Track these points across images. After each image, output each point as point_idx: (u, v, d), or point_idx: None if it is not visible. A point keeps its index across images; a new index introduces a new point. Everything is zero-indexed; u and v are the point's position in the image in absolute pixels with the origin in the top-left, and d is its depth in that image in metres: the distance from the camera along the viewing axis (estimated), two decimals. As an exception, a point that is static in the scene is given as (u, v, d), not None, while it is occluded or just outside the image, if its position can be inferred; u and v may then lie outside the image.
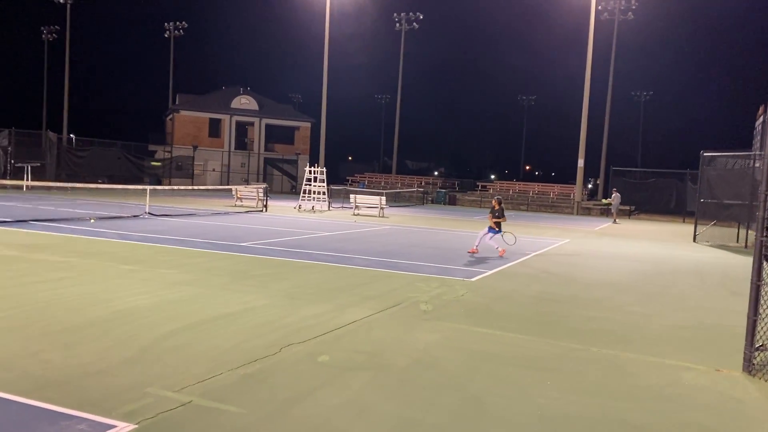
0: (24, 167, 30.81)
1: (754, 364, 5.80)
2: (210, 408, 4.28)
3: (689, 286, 11.39)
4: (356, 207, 27.04)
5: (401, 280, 9.97)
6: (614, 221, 32.41)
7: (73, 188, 29.18)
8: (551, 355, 6.13)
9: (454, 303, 8.40)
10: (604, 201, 36.34)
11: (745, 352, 5.85)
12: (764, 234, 5.69)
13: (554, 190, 48.53)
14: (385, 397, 4.71)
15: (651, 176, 44.18)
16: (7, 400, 4.19)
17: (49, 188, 30.77)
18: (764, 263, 5.76)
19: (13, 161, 31.65)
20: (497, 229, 14.33)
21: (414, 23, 58.76)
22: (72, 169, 37.28)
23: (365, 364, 5.49)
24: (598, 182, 58.21)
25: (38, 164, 31.97)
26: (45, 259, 10.16)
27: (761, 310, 5.80)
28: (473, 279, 10.58)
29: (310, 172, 28.38)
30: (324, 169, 28.78)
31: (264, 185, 28.84)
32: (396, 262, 12.16)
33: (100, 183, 35.60)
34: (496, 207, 14.56)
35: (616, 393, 5.11)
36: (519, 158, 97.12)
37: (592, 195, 56.66)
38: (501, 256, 13.79)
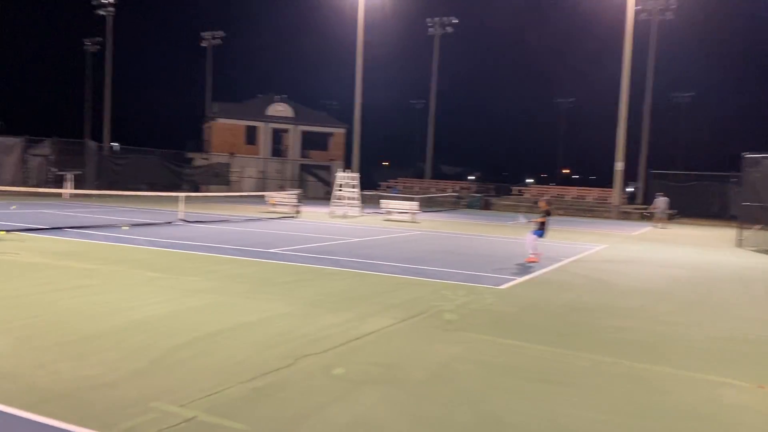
0: (65, 175, 31.55)
1: (799, 381, 5.38)
2: (213, 424, 4.12)
3: (732, 295, 10.84)
4: (388, 212, 26.86)
5: (427, 288, 9.72)
6: (659, 226, 31.39)
7: (111, 196, 29.72)
8: (578, 368, 5.82)
9: (480, 312, 8.11)
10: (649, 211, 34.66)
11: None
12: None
13: (592, 193, 47.53)
14: (397, 413, 4.49)
15: (692, 179, 42.86)
16: (7, 414, 4.11)
17: (88, 196, 31.42)
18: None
19: (54, 169, 32.44)
20: (541, 230, 13.77)
21: (448, 27, 58.41)
22: (112, 176, 38.08)
23: (380, 378, 5.27)
24: (638, 186, 56.81)
25: (79, 172, 32.69)
26: (72, 266, 10.24)
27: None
28: (502, 287, 10.26)
29: (341, 177, 28.31)
30: (356, 175, 28.68)
31: (297, 191, 28.90)
32: (423, 268, 11.91)
33: (139, 190, 36.33)
34: (543, 207, 14.00)
35: (646, 411, 4.78)
36: (556, 162, 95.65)
37: (632, 199, 55.32)
38: (527, 262, 13.37)
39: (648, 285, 11.36)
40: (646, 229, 29.87)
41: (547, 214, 13.90)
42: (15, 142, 32.17)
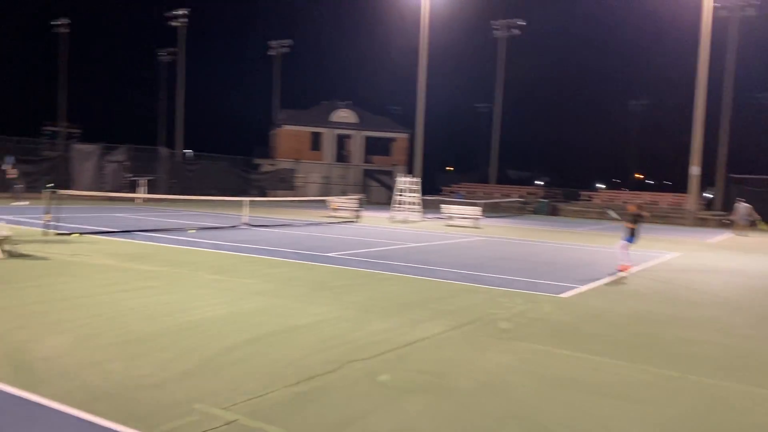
0: (138, 181, 32.90)
1: None
2: (253, 428, 4.09)
3: (816, 307, 10.07)
4: (449, 217, 26.59)
5: (483, 295, 9.49)
6: (740, 233, 29.75)
7: (181, 200, 30.74)
8: (640, 382, 5.49)
9: (537, 321, 7.83)
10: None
11: None
12: None
13: (666, 199, 45.62)
14: (442, 424, 4.33)
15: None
16: (56, 410, 4.21)
17: (160, 200, 32.61)
18: None
19: (129, 175, 33.87)
20: (631, 236, 13.01)
21: (514, 29, 57.53)
22: (184, 182, 39.43)
23: (427, 386, 5.13)
24: (716, 191, 54.16)
25: (151, 178, 34.02)
26: (137, 268, 10.57)
27: None
28: (563, 295, 9.90)
29: (402, 182, 28.26)
30: (417, 180, 28.56)
31: (357, 196, 29.05)
32: (481, 275, 11.65)
33: (210, 195, 37.49)
34: (632, 211, 13.19)
35: (715, 431, 4.43)
36: (629, 166, 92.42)
37: (709, 205, 52.78)
38: (618, 270, 12.75)
39: (721, 295, 10.71)
40: (724, 236, 28.36)
41: (638, 218, 13.12)
42: (93, 148, 33.83)
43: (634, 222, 12.97)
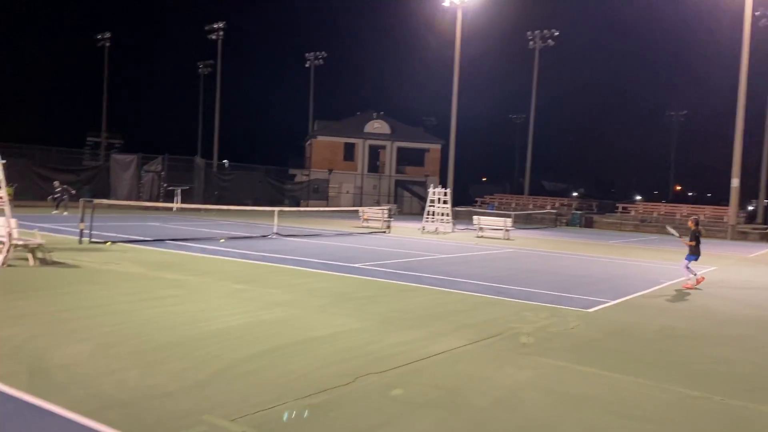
0: (175, 190, 33.52)
1: None
2: (258, 441, 4.07)
3: None
4: (480, 229, 26.36)
5: (507, 309, 9.34)
6: None
7: (215, 210, 31.20)
8: (662, 402, 5.30)
9: (561, 336, 7.66)
10: None
11: None
12: None
13: (705, 211, 44.41)
14: (450, 441, 4.25)
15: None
16: (65, 418, 4.26)
17: (195, 210, 33.14)
18: None
19: (165, 185, 34.54)
20: (694, 254, 12.83)
21: (549, 40, 57.08)
22: (219, 191, 40.08)
23: (440, 402, 5.04)
24: (758, 203, 52.62)
25: (186, 187, 34.63)
26: (164, 276, 10.72)
27: None
28: (590, 309, 9.68)
29: (433, 193, 28.16)
30: (447, 191, 28.44)
31: (388, 207, 29.05)
32: (508, 288, 11.49)
33: (245, 205, 38.04)
34: (691, 227, 13.03)
35: (736, 456, 4.25)
36: (669, 178, 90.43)
37: (751, 218, 51.25)
38: (685, 288, 12.55)
39: (756, 312, 10.34)
40: (765, 250, 27.48)
41: (698, 234, 12.90)
42: (131, 158, 34.63)
43: (695, 239, 12.68)
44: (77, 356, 5.74)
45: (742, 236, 38.45)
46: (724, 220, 40.56)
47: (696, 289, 12.55)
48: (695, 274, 12.83)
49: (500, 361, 6.39)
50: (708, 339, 8.01)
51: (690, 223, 13.15)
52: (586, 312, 9.45)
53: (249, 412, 4.56)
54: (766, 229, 38.33)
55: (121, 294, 8.94)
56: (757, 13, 46.86)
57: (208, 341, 6.52)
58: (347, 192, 55.26)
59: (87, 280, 10.04)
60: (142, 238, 17.07)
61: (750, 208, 59.29)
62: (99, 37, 60.86)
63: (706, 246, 28.60)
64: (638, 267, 17.07)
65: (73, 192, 26.40)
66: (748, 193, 53.99)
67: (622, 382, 5.85)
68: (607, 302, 10.46)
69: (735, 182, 38.81)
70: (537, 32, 57.19)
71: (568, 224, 44.37)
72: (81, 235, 15.07)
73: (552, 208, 48.55)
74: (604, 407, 5.12)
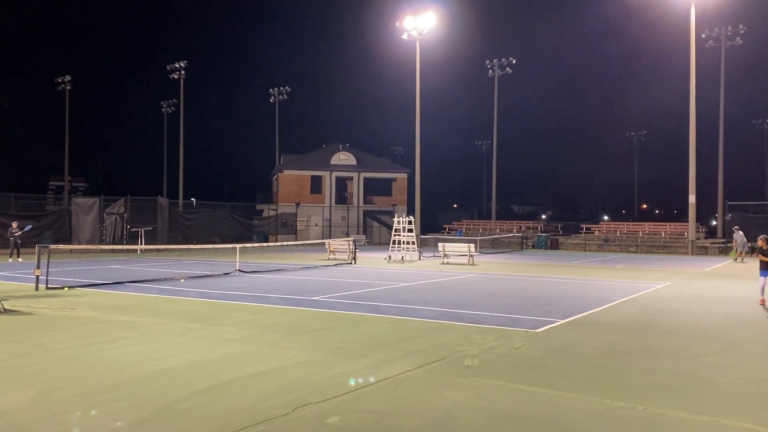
0: (138, 231, 33.26)
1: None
2: (188, 474, 4.20)
3: (792, 332, 10.07)
4: (445, 255, 26.69)
5: (457, 333, 9.58)
6: (739, 260, 29.74)
7: (179, 249, 31.02)
8: (588, 415, 5.56)
9: (504, 357, 7.91)
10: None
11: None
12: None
13: (666, 229, 45.54)
14: (376, 463, 4.43)
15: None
16: (-3, 463, 4.34)
17: (160, 250, 32.90)
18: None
19: (128, 226, 34.27)
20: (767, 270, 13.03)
21: (507, 68, 58.53)
22: (185, 231, 39.80)
23: (372, 427, 5.22)
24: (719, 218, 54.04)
25: (149, 228, 34.39)
26: (118, 319, 10.73)
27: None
28: (538, 330, 9.97)
29: (398, 222, 28.48)
30: (411, 218, 28.79)
31: (352, 238, 29.25)
32: (462, 313, 11.74)
33: (212, 243, 37.82)
34: (765, 247, 12.98)
35: (646, 461, 4.50)
36: (634, 198, 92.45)
37: (712, 233, 52.61)
38: (762, 304, 13.06)
39: (698, 324, 10.75)
40: (721, 264, 28.29)
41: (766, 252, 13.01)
42: (93, 201, 34.32)
43: (765, 256, 12.92)
44: (18, 402, 5.79)
45: (703, 251, 39.49)
46: (685, 236, 41.63)
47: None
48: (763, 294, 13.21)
49: (440, 384, 6.59)
50: (645, 352, 8.33)
51: (761, 242, 13.14)
52: (534, 332, 9.73)
53: (184, 447, 4.69)
54: (724, 243, 39.40)
55: (72, 339, 8.96)
56: (702, 36, 48.86)
57: (154, 381, 6.61)
58: (316, 225, 55.33)
59: (38, 326, 10.00)
60: (100, 282, 16.96)
61: (714, 223, 60.84)
62: (59, 80, 60.60)
63: (666, 262, 29.43)
64: (595, 286, 17.50)
65: (28, 227, 25.86)
66: (713, 209, 55.43)
67: (554, 397, 6.10)
68: (557, 321, 10.77)
69: (692, 198, 39.98)
70: (495, 60, 58.63)
71: (534, 247, 45.03)
72: (37, 281, 14.94)
73: (518, 232, 49.26)
74: (532, 422, 5.36)
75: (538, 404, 5.88)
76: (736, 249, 30.57)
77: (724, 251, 36.80)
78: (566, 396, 6.14)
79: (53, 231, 33.02)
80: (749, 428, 5.20)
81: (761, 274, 13.13)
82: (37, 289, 14.73)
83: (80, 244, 31.53)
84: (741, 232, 30.78)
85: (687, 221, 47.54)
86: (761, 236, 13.39)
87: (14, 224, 26.08)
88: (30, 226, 26.40)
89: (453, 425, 5.25)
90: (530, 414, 5.58)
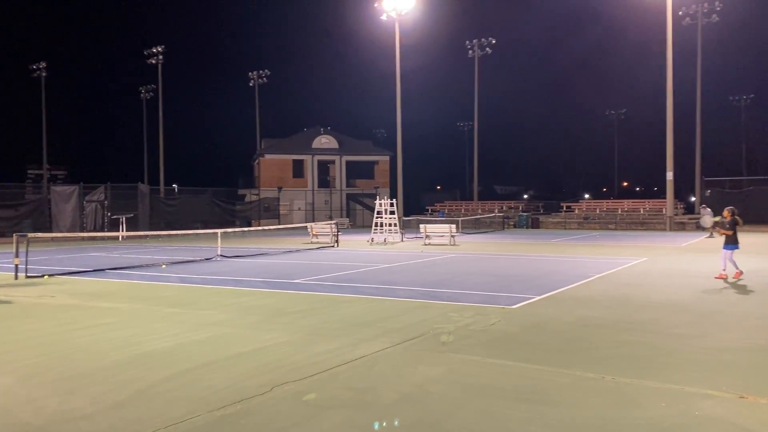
0: (119, 219, 33.05)
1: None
2: (166, 452, 4.30)
3: (758, 304, 10.37)
4: (426, 237, 26.87)
5: (435, 311, 9.73)
6: (711, 235, 30.35)
7: (161, 236, 30.91)
8: (558, 386, 5.73)
9: (479, 333, 8.07)
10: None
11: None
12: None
13: (645, 206, 46.12)
14: (350, 436, 4.56)
15: (752, 184, 41.12)
16: (-24, 447, 4.41)
17: (141, 237, 32.74)
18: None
19: (109, 214, 34.03)
20: (732, 243, 13.30)
21: (487, 48, 58.52)
22: (166, 217, 39.60)
23: (348, 402, 5.35)
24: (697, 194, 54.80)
25: (130, 215, 34.18)
26: (98, 306, 10.75)
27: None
28: (514, 306, 10.16)
29: (380, 204, 28.57)
30: (393, 201, 28.89)
31: (335, 221, 29.31)
32: (441, 291, 11.91)
33: (194, 229, 37.62)
34: (728, 218, 13.41)
35: (612, 427, 4.67)
36: (615, 176, 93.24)
37: (690, 209, 53.35)
38: (736, 278, 13.25)
39: (670, 297, 11.01)
40: (697, 239, 28.79)
41: (734, 224, 13.32)
42: (72, 189, 34.01)
43: (731, 228, 13.23)
44: (-3, 389, 5.84)
45: (680, 227, 40.12)
46: (663, 213, 42.22)
47: (728, 281, 13.07)
48: (724, 266, 13.42)
49: (416, 360, 6.74)
50: (618, 326, 8.55)
51: (726, 214, 13.52)
52: (509, 309, 9.92)
53: (161, 426, 4.78)
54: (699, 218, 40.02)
55: (51, 325, 8.98)
56: (679, 13, 49.17)
57: (133, 365, 6.68)
58: (299, 209, 55.27)
59: (17, 314, 10.00)
60: (81, 269, 16.89)
61: (692, 199, 61.68)
62: (34, 66, 59.55)
63: (644, 238, 29.88)
64: (573, 263, 17.77)
65: None
66: (692, 186, 56.11)
67: (526, 370, 6.27)
68: (533, 298, 10.97)
69: (669, 175, 40.48)
70: (475, 41, 58.59)
71: (515, 226, 45.42)
72: (16, 270, 14.86)
73: (500, 212, 49.60)
74: (504, 394, 5.52)
75: (511, 377, 6.04)
76: (703, 225, 31.46)
77: (701, 227, 37.40)
78: (538, 369, 6.31)
79: (33, 219, 32.71)
80: (712, 394, 5.40)
81: (724, 247, 13.40)
82: (16, 278, 14.67)
83: (60, 232, 31.27)
84: (709, 209, 31.50)
85: (666, 198, 48.25)
86: (727, 207, 13.76)
87: None
88: None
89: (427, 399, 5.40)
90: (503, 386, 5.74)
